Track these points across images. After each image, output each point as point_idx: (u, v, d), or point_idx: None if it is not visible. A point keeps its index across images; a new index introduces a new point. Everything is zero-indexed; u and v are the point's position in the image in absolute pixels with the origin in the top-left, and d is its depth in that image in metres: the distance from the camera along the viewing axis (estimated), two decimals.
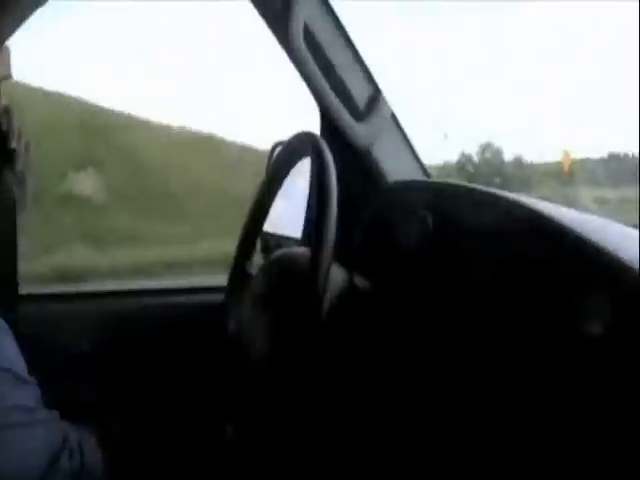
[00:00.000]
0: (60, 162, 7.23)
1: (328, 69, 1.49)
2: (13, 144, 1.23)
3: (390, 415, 1.23)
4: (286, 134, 1.64)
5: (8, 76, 1.58)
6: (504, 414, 1.01)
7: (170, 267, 6.25)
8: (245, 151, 8.92)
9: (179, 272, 6.14)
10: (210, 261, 6.35)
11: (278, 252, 1.30)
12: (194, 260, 6.45)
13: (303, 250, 1.23)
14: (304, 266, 1.08)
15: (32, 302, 1.68)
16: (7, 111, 1.24)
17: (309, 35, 1.45)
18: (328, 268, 1.05)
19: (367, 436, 1.23)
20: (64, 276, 5.45)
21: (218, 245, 6.77)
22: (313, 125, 1.64)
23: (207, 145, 8.75)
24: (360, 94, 1.55)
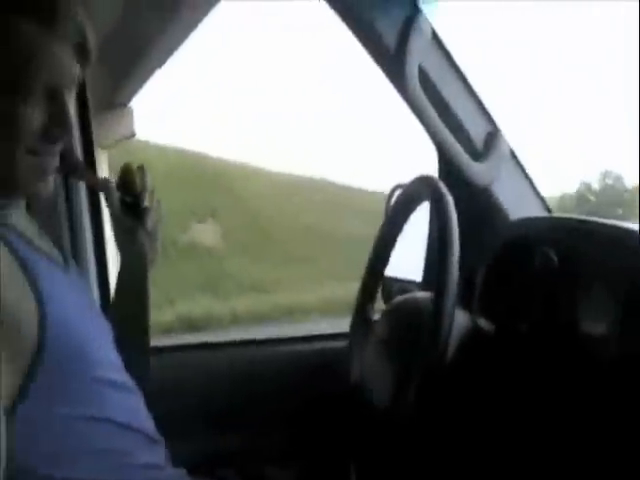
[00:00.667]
0: (181, 214, 7.49)
1: (444, 109, 1.48)
2: (146, 203, 1.26)
3: (513, 459, 1.18)
4: (399, 176, 1.64)
5: (132, 135, 1.64)
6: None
7: (288, 313, 6.33)
8: (356, 193, 9.00)
9: (297, 318, 6.20)
10: (327, 305, 6.41)
11: (400, 297, 1.29)
12: (312, 305, 6.51)
13: (425, 295, 1.22)
14: (427, 311, 1.07)
15: (160, 354, 1.71)
16: (142, 170, 1.25)
17: (423, 76, 1.44)
18: (452, 314, 1.03)
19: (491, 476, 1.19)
20: (189, 325, 5.59)
21: (334, 289, 6.83)
22: (428, 166, 1.63)
23: (319, 189, 8.88)
24: (477, 133, 1.53)
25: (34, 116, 0.95)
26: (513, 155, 1.59)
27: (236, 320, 6.02)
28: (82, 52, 0.99)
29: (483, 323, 1.22)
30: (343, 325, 1.46)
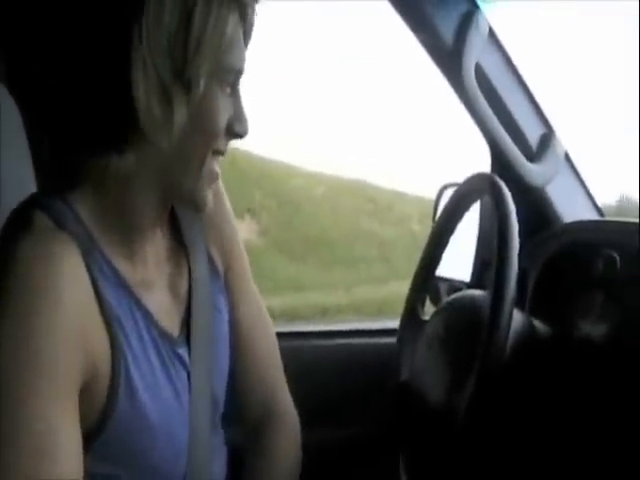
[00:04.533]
0: None
1: (499, 108, 1.47)
2: None
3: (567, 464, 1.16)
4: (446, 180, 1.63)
5: None
6: None
7: (325, 313, 6.32)
8: (395, 196, 8.96)
9: (334, 318, 6.19)
10: (365, 307, 6.40)
11: (455, 295, 1.27)
12: (348, 306, 6.50)
13: (480, 293, 1.20)
14: (483, 310, 1.05)
15: None
16: None
17: (480, 74, 1.43)
18: (511, 312, 1.01)
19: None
20: None
21: (372, 291, 6.82)
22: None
23: (359, 191, 8.85)
24: (533, 134, 1.52)
25: (226, 109, 0.88)
26: (567, 158, 1.57)
27: (271, 317, 6.01)
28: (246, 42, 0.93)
29: (538, 324, 1.20)
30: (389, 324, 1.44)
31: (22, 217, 0.85)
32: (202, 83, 0.84)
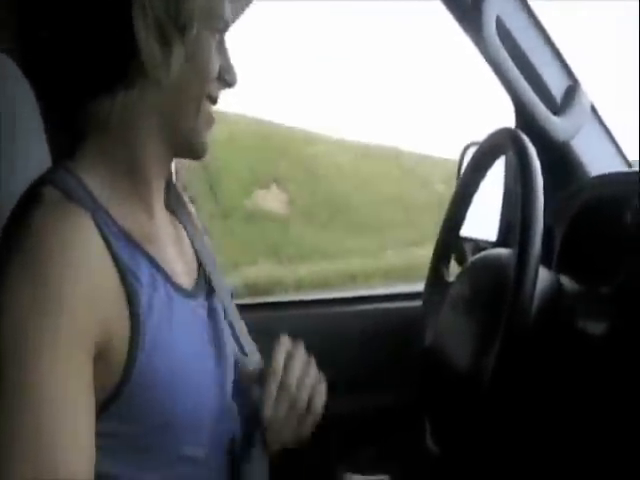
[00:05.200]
0: (245, 180, 7.52)
1: (522, 62, 1.43)
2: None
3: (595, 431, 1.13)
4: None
5: None
6: None
7: (353, 279, 6.33)
8: (421, 159, 8.89)
9: (362, 284, 6.20)
10: (393, 272, 6.39)
11: (480, 254, 1.25)
12: (377, 271, 6.49)
13: (506, 252, 1.17)
14: (509, 269, 1.03)
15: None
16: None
17: (501, 27, 1.39)
18: (536, 271, 0.99)
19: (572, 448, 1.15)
20: (253, 290, 5.62)
21: (399, 256, 6.80)
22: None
23: (384, 156, 8.79)
24: (557, 87, 1.48)
25: (217, 55, 0.91)
26: (593, 110, 1.52)
27: (300, 286, 6.03)
28: None
29: (565, 281, 1.17)
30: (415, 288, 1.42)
31: (32, 193, 0.85)
32: (195, 26, 0.86)
